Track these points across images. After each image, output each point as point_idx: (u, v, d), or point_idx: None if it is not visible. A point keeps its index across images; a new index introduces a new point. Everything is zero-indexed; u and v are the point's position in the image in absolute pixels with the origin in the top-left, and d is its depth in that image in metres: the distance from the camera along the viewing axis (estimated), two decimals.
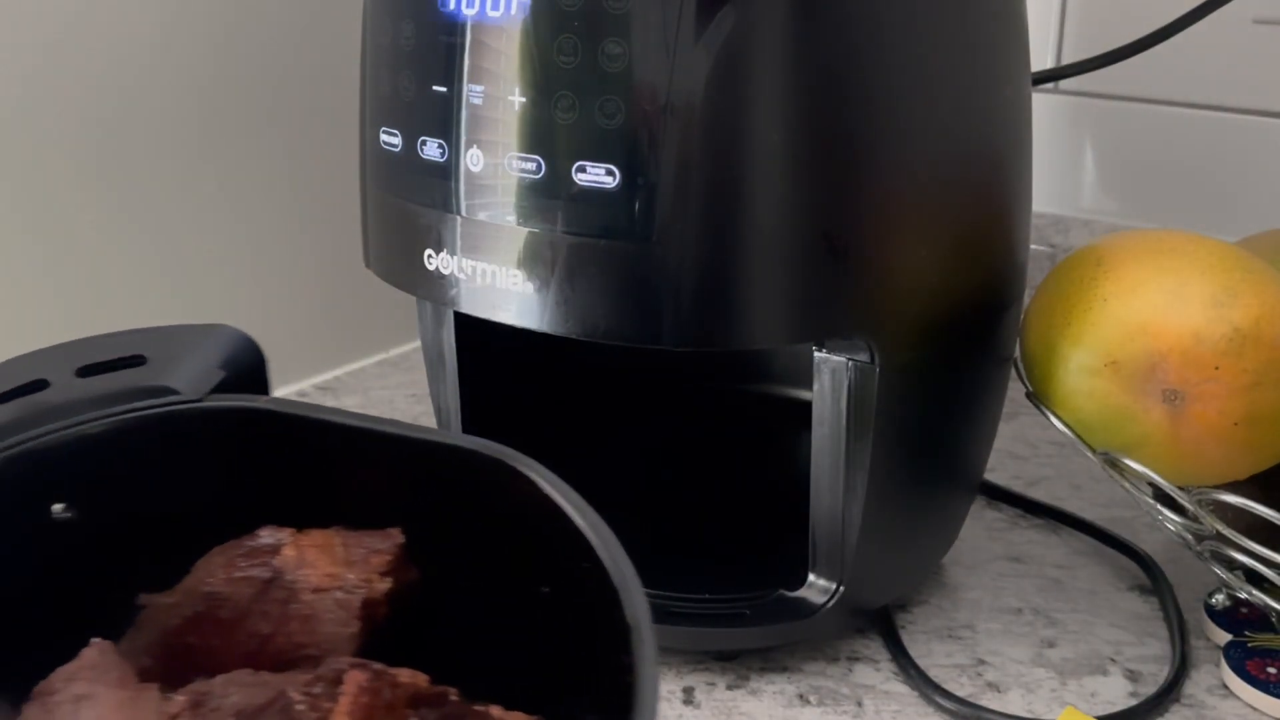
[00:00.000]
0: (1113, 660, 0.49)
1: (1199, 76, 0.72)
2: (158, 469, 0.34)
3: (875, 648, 0.50)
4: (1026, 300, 0.50)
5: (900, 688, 0.48)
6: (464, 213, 0.42)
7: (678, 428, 0.63)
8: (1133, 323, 0.44)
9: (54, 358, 0.35)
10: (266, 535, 0.34)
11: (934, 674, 0.48)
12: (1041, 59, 0.76)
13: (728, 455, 0.62)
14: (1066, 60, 0.75)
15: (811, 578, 0.47)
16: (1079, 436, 0.48)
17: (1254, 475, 0.47)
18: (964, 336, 0.46)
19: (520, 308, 0.41)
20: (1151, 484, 0.46)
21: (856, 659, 0.50)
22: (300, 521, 0.34)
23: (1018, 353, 0.51)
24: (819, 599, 0.47)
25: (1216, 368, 0.43)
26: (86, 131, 0.61)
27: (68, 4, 0.59)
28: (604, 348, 0.42)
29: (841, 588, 0.47)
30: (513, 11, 0.39)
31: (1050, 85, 0.76)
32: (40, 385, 0.34)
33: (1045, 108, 0.77)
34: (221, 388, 0.35)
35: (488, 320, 0.42)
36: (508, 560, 0.33)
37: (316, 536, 0.34)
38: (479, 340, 0.50)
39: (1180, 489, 0.45)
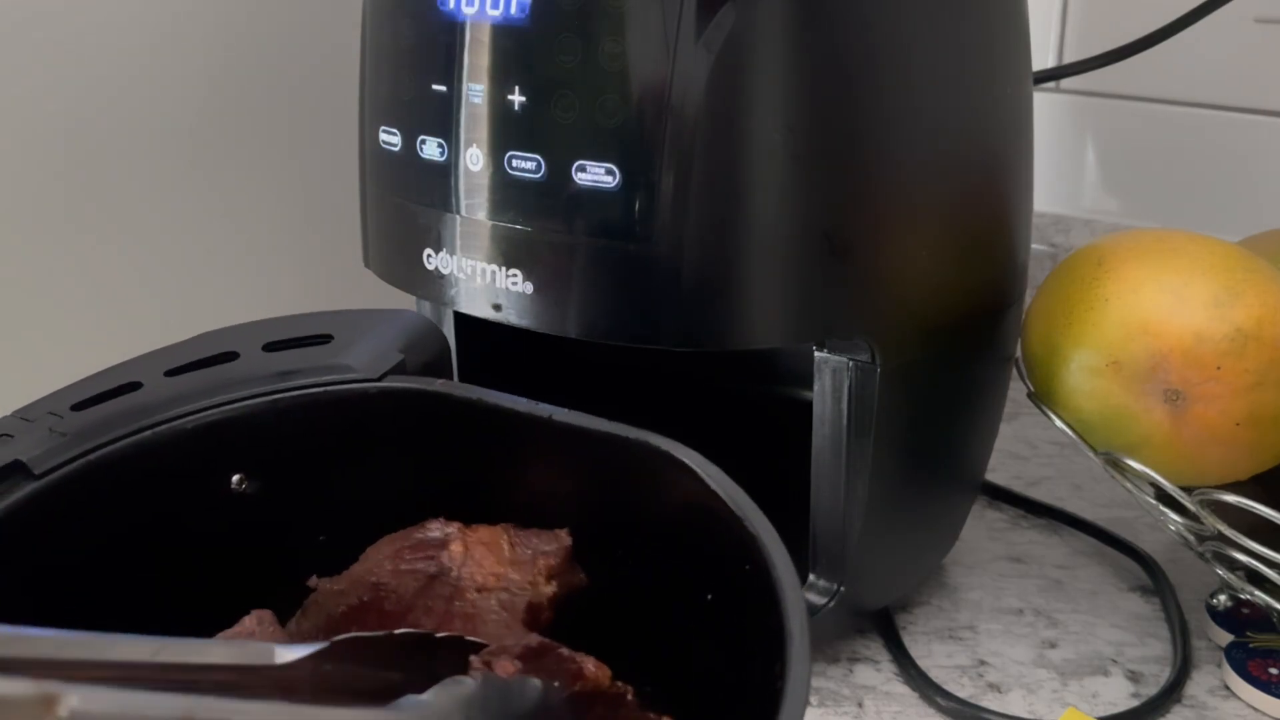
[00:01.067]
0: (1114, 661, 0.49)
1: (1200, 76, 0.72)
2: (331, 446, 0.35)
3: (876, 648, 0.50)
4: (1028, 300, 0.50)
5: (901, 688, 0.48)
6: (463, 212, 0.41)
7: (678, 428, 0.63)
8: (1134, 323, 0.44)
9: (246, 333, 0.36)
10: (435, 528, 0.34)
11: (935, 675, 0.48)
12: (1043, 58, 0.76)
13: (727, 456, 0.61)
14: (1068, 59, 0.75)
15: (812, 578, 0.47)
16: (1080, 436, 0.47)
17: (1256, 475, 0.47)
18: (965, 336, 0.46)
19: (520, 308, 0.41)
20: (1153, 484, 0.46)
21: (857, 660, 0.49)
22: (468, 505, 0.34)
23: (1019, 352, 0.51)
24: (820, 599, 0.47)
25: (1218, 368, 0.43)
26: (84, 130, 0.61)
27: (67, 4, 0.59)
28: (604, 348, 0.42)
29: (842, 588, 0.47)
30: (512, 11, 0.39)
31: (1052, 84, 0.75)
32: (230, 357, 0.35)
33: (1047, 107, 0.77)
34: (400, 370, 0.36)
35: (487, 320, 0.42)
36: (671, 560, 0.33)
37: (484, 533, 0.34)
38: (479, 340, 0.50)
39: (1182, 489, 0.45)
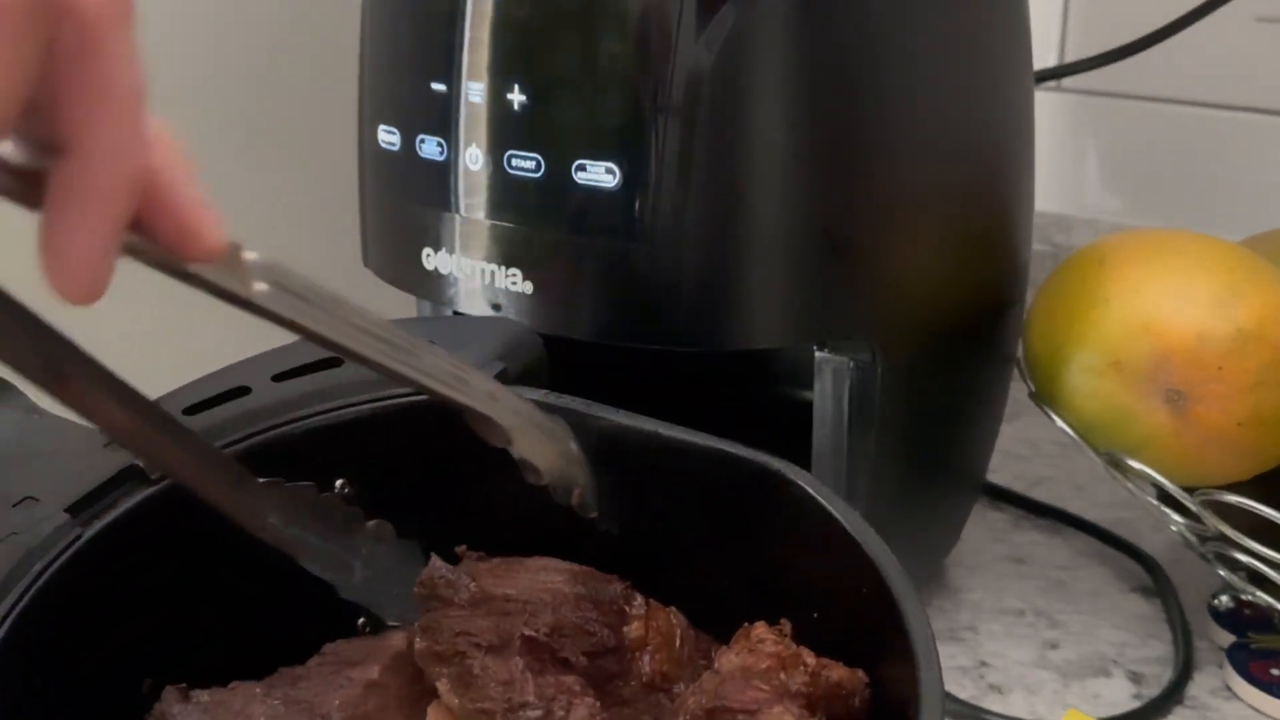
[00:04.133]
0: (1116, 662, 0.49)
1: (1202, 75, 0.72)
2: (430, 453, 0.35)
3: None
4: (1029, 300, 0.50)
5: None
6: (462, 211, 0.41)
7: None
8: (1136, 323, 0.44)
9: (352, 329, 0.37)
10: (619, 591, 0.33)
11: None
12: (1044, 57, 0.76)
13: None
14: (1069, 58, 0.75)
15: None
16: (1081, 437, 0.47)
17: (1257, 475, 0.46)
18: (966, 336, 0.46)
19: (519, 307, 0.41)
20: (1154, 484, 0.46)
21: None
22: (565, 518, 0.34)
23: (1020, 352, 0.50)
24: None
25: (1220, 368, 0.43)
26: None
27: None
28: (603, 347, 0.41)
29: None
30: (512, 9, 0.39)
31: (1053, 83, 0.75)
32: (335, 363, 0.36)
33: (1048, 106, 0.77)
34: (501, 378, 0.36)
35: None
36: (779, 579, 0.33)
37: (662, 620, 0.33)
38: None
39: (1183, 489, 0.45)
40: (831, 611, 0.31)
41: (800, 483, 0.31)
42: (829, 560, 0.30)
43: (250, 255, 0.27)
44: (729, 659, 0.31)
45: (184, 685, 0.31)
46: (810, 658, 0.30)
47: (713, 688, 0.30)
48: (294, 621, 0.33)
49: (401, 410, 0.35)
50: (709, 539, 0.34)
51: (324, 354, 0.36)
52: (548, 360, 0.39)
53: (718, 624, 0.33)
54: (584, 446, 0.34)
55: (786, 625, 0.31)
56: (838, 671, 0.30)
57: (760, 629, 0.31)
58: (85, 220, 0.22)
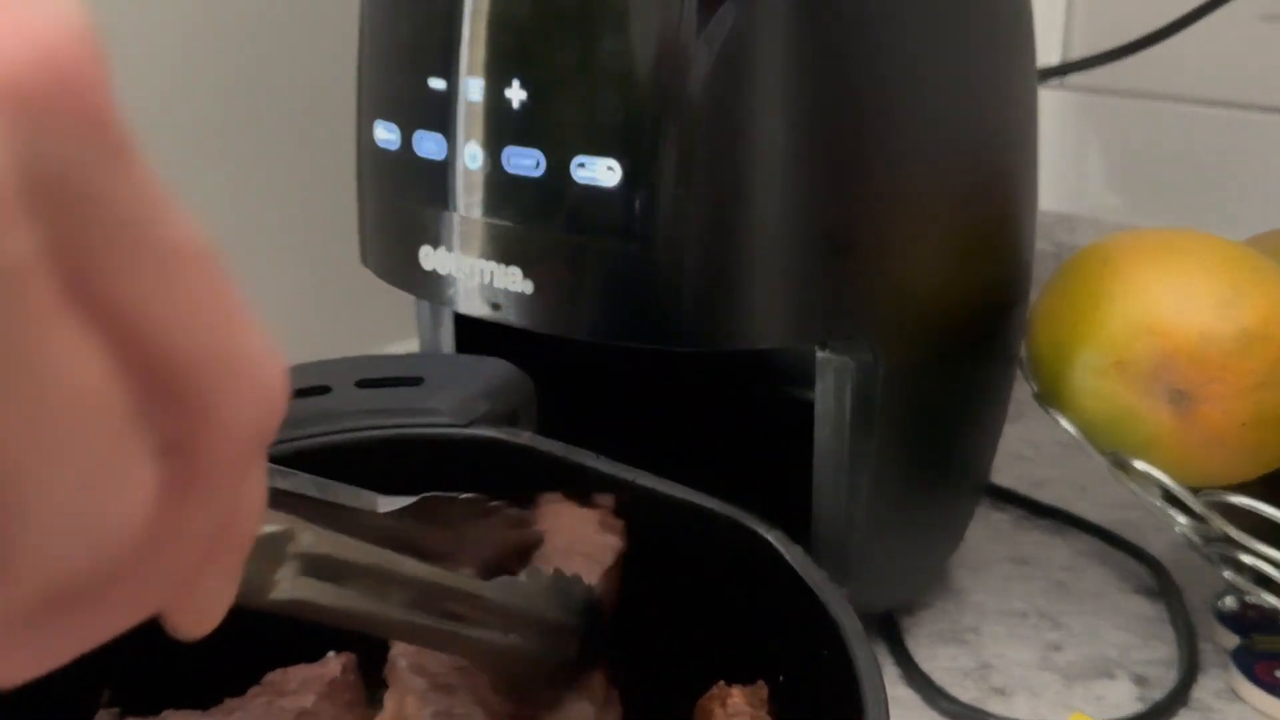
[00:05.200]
0: (1119, 664, 0.49)
1: (1206, 73, 0.71)
2: (410, 485, 0.35)
3: (879, 651, 0.50)
4: (1033, 299, 0.50)
5: (904, 692, 0.47)
6: (461, 210, 0.41)
7: (678, 428, 0.62)
8: (1140, 322, 0.44)
9: (339, 368, 0.38)
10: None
11: (938, 678, 0.47)
12: (1048, 54, 0.76)
13: (728, 456, 0.61)
14: (1073, 56, 0.74)
15: None
16: (1085, 437, 0.47)
17: (1262, 476, 0.46)
18: (969, 336, 0.45)
19: (519, 307, 0.41)
20: (1159, 485, 0.46)
21: None
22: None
23: (1023, 352, 0.50)
24: None
25: (1224, 368, 0.43)
26: None
27: None
28: (603, 347, 0.41)
29: (844, 590, 0.46)
30: (512, 5, 0.39)
31: (1057, 81, 0.75)
32: (323, 390, 0.36)
33: (1051, 104, 0.76)
34: (487, 417, 0.37)
35: (486, 320, 0.42)
36: (743, 639, 0.33)
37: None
38: (477, 340, 0.49)
39: (1188, 490, 0.45)
40: (797, 673, 0.32)
41: (771, 540, 0.32)
42: (794, 619, 0.31)
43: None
44: None
45: (117, 710, 0.31)
46: None
47: None
48: (276, 628, 0.33)
49: (385, 441, 0.35)
50: (674, 590, 0.35)
51: (313, 382, 0.37)
52: (536, 402, 0.39)
53: (682, 676, 0.33)
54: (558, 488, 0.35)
55: (763, 689, 0.32)
56: None
57: (736, 696, 0.32)
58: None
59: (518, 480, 0.35)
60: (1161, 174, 0.75)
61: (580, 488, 0.35)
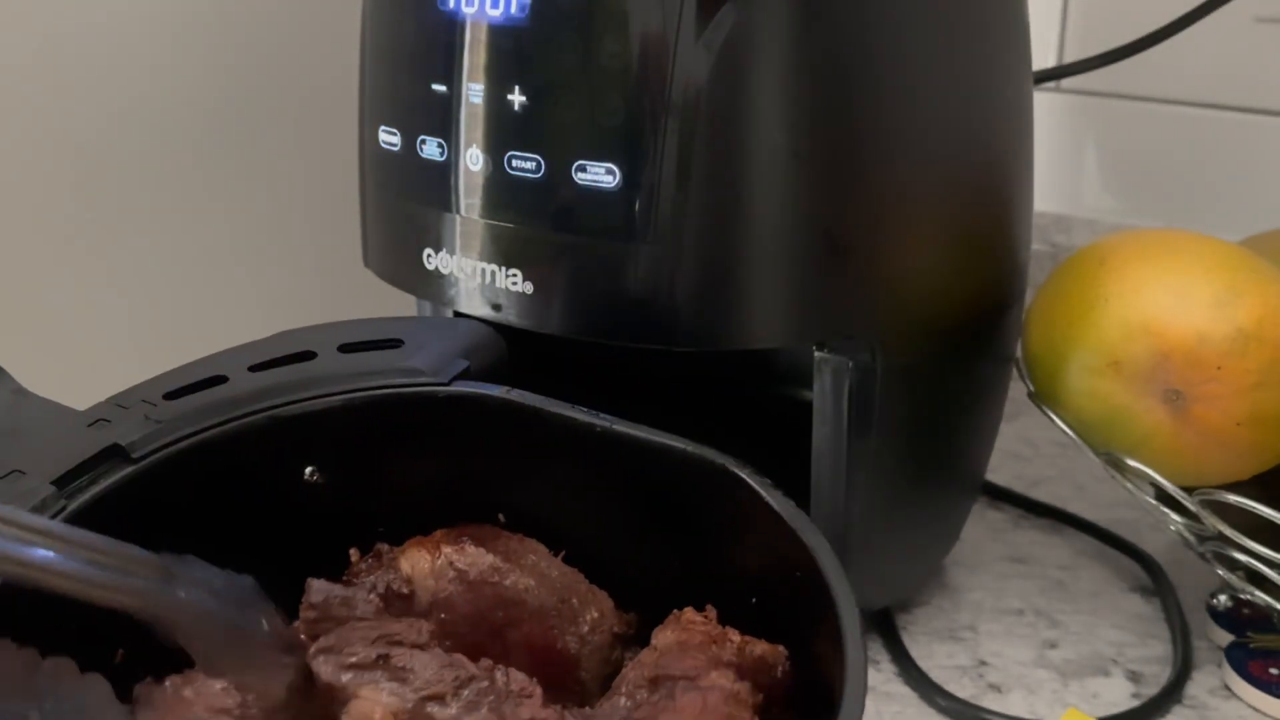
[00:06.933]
0: (1115, 661, 0.49)
1: (1201, 75, 0.72)
2: (397, 445, 0.37)
3: (876, 649, 0.50)
4: (1028, 300, 0.50)
5: (901, 689, 0.48)
6: (463, 212, 0.41)
7: (677, 428, 0.63)
8: (1135, 323, 0.44)
9: (322, 334, 0.39)
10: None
11: (935, 675, 0.48)
12: (1043, 57, 0.76)
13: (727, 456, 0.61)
14: (1069, 59, 0.75)
15: None
16: (1081, 437, 0.47)
17: (1256, 475, 0.46)
18: (965, 336, 0.46)
19: (519, 308, 0.41)
20: (1153, 484, 0.46)
21: None
22: (523, 507, 0.36)
23: (1019, 352, 0.51)
24: None
25: (1219, 368, 0.43)
26: (83, 131, 0.61)
27: (65, 5, 0.59)
28: (603, 348, 0.41)
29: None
30: (512, 10, 0.39)
31: (1052, 84, 0.75)
32: (307, 356, 0.37)
33: (1047, 106, 0.77)
34: (466, 375, 0.38)
35: (487, 320, 0.42)
36: (716, 565, 0.35)
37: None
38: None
39: (1182, 489, 0.45)
40: (769, 596, 0.33)
41: (742, 475, 0.33)
42: (766, 547, 0.32)
43: None
44: (665, 636, 0.33)
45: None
46: (735, 635, 0.32)
47: (652, 660, 0.32)
48: (274, 599, 0.33)
49: (372, 402, 0.36)
50: (651, 529, 0.36)
51: (298, 348, 0.38)
52: (508, 357, 0.40)
53: (659, 610, 0.35)
54: (540, 444, 0.36)
55: (712, 611, 0.34)
56: (760, 646, 0.32)
57: (689, 613, 0.33)
58: None
59: (499, 433, 0.37)
60: (1156, 176, 0.75)
61: (559, 437, 0.36)
